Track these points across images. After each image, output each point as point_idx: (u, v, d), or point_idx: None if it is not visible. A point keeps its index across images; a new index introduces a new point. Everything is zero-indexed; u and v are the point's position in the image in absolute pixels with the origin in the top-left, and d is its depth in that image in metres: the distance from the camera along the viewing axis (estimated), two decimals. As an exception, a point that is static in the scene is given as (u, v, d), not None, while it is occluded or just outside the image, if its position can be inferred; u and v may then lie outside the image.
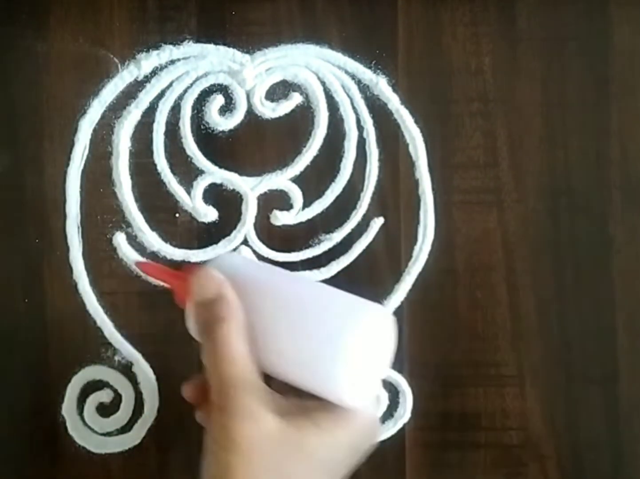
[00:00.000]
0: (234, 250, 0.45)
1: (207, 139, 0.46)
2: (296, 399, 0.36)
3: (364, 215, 0.45)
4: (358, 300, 0.36)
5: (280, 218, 0.45)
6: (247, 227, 0.45)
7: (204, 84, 0.46)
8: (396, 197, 0.46)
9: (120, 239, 0.45)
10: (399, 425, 0.45)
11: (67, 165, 0.45)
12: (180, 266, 0.43)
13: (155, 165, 0.45)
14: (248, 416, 0.34)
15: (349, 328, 0.34)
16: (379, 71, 0.46)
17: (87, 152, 0.45)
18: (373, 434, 0.37)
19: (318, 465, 0.35)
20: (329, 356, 0.34)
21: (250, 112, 0.46)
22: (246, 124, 0.46)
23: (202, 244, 0.45)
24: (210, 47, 0.45)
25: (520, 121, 0.46)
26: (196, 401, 0.38)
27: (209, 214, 0.45)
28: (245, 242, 0.45)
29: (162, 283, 0.41)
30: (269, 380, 0.36)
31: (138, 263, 0.44)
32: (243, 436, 0.33)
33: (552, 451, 0.45)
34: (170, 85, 0.46)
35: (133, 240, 0.45)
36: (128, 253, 0.45)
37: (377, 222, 0.45)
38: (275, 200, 0.46)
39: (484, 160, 0.46)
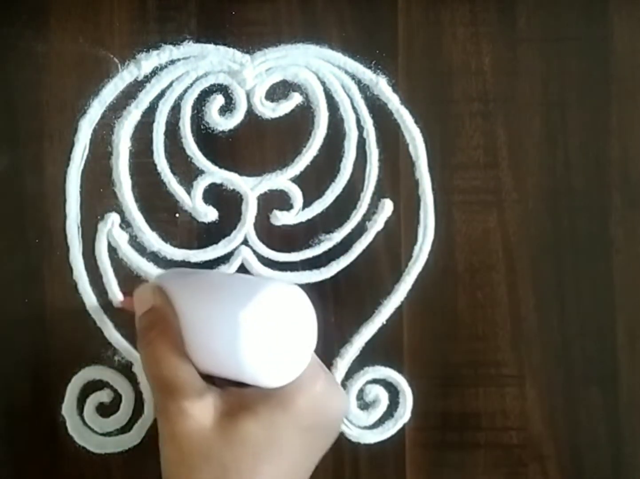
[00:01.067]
0: (234, 250, 0.45)
1: (207, 139, 0.46)
2: (235, 390, 0.37)
3: (364, 215, 0.46)
4: (264, 280, 0.38)
5: (280, 218, 0.45)
6: (247, 227, 0.45)
7: (204, 84, 0.46)
8: (396, 197, 0.46)
9: (120, 239, 0.45)
10: (399, 425, 0.45)
11: (67, 165, 0.45)
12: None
13: (155, 165, 0.45)
14: (182, 414, 0.35)
15: (242, 307, 0.35)
16: (379, 71, 0.46)
17: (87, 152, 0.45)
18: (327, 410, 0.38)
19: (258, 450, 0.35)
20: (231, 339, 0.35)
21: (250, 112, 0.46)
22: (246, 124, 0.46)
23: (202, 244, 0.45)
24: (210, 47, 0.45)
25: (520, 121, 0.46)
26: None
27: (209, 214, 0.45)
28: (245, 242, 0.45)
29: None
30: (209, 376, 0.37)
31: (121, 302, 0.45)
32: (180, 434, 0.35)
33: (552, 451, 0.45)
34: (170, 85, 0.46)
35: (133, 240, 0.45)
36: (128, 253, 0.45)
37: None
38: (275, 200, 0.46)
39: (484, 160, 0.46)
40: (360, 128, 0.46)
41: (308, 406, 0.37)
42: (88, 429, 0.45)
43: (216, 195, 0.46)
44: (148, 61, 0.45)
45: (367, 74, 0.46)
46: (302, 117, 0.46)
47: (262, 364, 0.35)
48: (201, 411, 0.36)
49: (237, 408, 0.36)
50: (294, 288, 0.37)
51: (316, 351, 0.45)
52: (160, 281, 0.40)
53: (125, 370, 0.45)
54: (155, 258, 0.45)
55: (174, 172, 0.45)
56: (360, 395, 0.45)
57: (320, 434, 0.38)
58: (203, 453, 0.35)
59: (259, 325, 0.35)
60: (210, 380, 0.38)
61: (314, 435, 0.37)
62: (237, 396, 0.37)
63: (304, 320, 0.37)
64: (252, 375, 0.35)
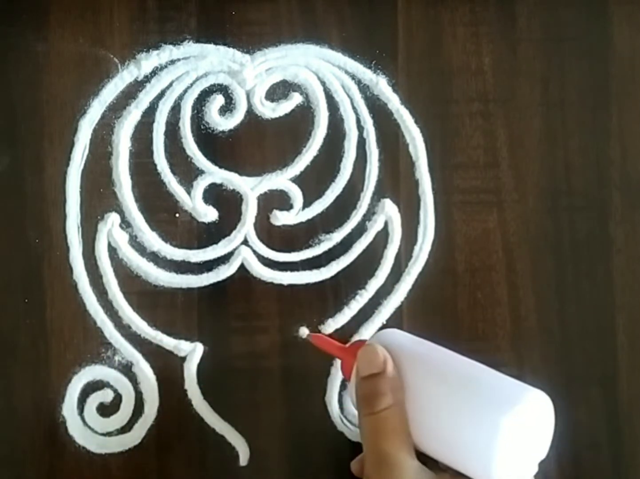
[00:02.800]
0: (234, 250, 0.45)
1: (207, 139, 0.46)
2: (448, 477, 0.37)
3: (364, 215, 0.46)
4: (518, 384, 0.37)
5: (280, 218, 0.45)
6: (247, 227, 0.45)
7: (204, 84, 0.46)
8: (396, 197, 0.46)
9: (120, 239, 0.45)
10: (399, 425, 0.45)
11: (67, 165, 0.45)
12: (349, 342, 0.43)
13: (155, 165, 0.45)
14: None
15: (506, 415, 0.35)
16: (379, 71, 0.46)
17: (87, 152, 0.45)
18: None
19: None
20: (486, 441, 0.35)
21: (250, 112, 0.46)
22: (246, 124, 0.46)
23: (202, 244, 0.45)
24: (210, 47, 0.46)
25: (520, 121, 0.46)
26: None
27: (209, 214, 0.45)
28: (245, 242, 0.45)
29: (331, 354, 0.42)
30: (423, 454, 0.37)
31: (310, 335, 0.44)
32: None
33: (552, 451, 0.45)
34: (170, 85, 0.46)
35: (133, 240, 0.45)
36: (128, 253, 0.45)
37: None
38: (275, 200, 0.46)
39: (484, 160, 0.46)
40: (360, 128, 0.46)
41: None
42: (88, 430, 0.45)
43: (216, 195, 0.46)
44: (148, 61, 0.45)
45: (367, 74, 0.46)
46: (302, 117, 0.46)
47: (509, 469, 0.35)
48: None
49: None
50: (547, 397, 0.37)
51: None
52: (386, 342, 0.39)
53: (126, 369, 0.45)
54: (155, 258, 0.45)
55: (174, 172, 0.45)
56: (360, 395, 0.45)
57: None
58: None
59: (517, 432, 0.35)
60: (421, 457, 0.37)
61: None
62: None
63: (547, 430, 0.37)
64: (493, 476, 0.35)
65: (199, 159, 0.45)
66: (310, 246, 0.45)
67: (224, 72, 0.46)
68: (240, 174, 0.45)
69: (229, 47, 0.46)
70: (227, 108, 0.46)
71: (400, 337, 0.41)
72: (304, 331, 0.45)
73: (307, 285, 0.45)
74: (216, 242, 0.45)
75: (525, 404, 0.35)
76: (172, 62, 0.46)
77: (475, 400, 0.36)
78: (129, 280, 0.45)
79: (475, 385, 0.36)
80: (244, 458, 0.45)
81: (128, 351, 0.45)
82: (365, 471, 0.37)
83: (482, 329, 0.45)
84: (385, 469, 0.36)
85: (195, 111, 0.46)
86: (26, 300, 0.45)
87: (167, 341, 0.45)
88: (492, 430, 0.35)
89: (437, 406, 0.36)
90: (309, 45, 0.46)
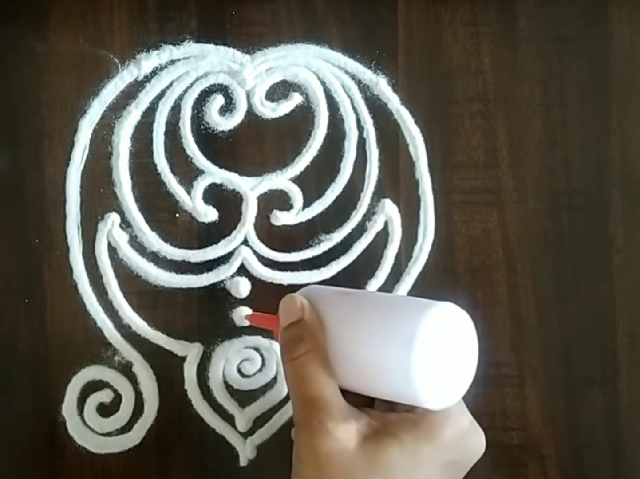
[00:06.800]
0: (234, 250, 0.45)
1: (207, 139, 0.46)
2: (379, 414, 0.37)
3: (364, 215, 0.46)
4: (430, 301, 0.36)
5: (280, 218, 0.45)
6: (247, 227, 0.45)
7: (204, 84, 0.46)
8: (396, 197, 0.46)
9: (120, 239, 0.45)
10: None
11: (67, 165, 0.45)
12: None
13: (155, 165, 0.45)
14: (326, 434, 0.35)
15: (420, 325, 0.34)
16: (379, 71, 0.46)
17: (87, 152, 0.45)
18: (469, 448, 0.37)
19: (400, 478, 0.35)
20: (405, 356, 0.34)
21: (250, 112, 0.46)
22: (246, 124, 0.46)
23: (202, 244, 0.45)
24: (210, 47, 0.46)
25: (520, 121, 0.46)
26: None
27: (209, 214, 0.45)
28: (245, 242, 0.45)
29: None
30: (355, 396, 0.37)
31: (247, 316, 0.44)
32: (321, 453, 0.35)
33: (552, 451, 0.45)
34: (170, 85, 0.46)
35: (133, 240, 0.45)
36: (128, 253, 0.45)
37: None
38: (275, 200, 0.46)
39: (484, 160, 0.46)
40: (360, 128, 0.46)
41: (454, 440, 0.36)
42: (88, 430, 0.45)
43: (216, 195, 0.46)
44: (148, 61, 0.45)
45: (367, 74, 0.46)
46: (302, 117, 0.46)
47: (431, 383, 0.35)
48: (345, 433, 0.35)
49: (381, 434, 0.35)
50: (462, 311, 0.37)
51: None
52: (308, 295, 0.39)
53: (125, 369, 0.45)
54: (155, 258, 0.45)
55: (174, 172, 0.45)
56: (360, 395, 0.45)
57: (457, 471, 0.37)
58: (344, 475, 0.35)
59: (433, 342, 0.34)
60: (351, 399, 0.37)
61: (451, 471, 0.36)
62: (381, 421, 0.36)
63: (469, 344, 0.37)
64: (419, 393, 0.34)
65: (199, 159, 0.45)
66: (310, 246, 0.45)
67: (224, 72, 0.46)
68: (240, 174, 0.46)
69: (229, 47, 0.46)
70: (227, 108, 0.46)
71: (324, 289, 0.41)
72: (242, 313, 0.45)
73: (307, 285, 0.45)
74: (216, 242, 0.45)
75: (437, 313, 0.35)
76: (172, 62, 0.46)
77: (390, 322, 0.35)
78: (129, 280, 0.45)
79: (389, 310, 0.36)
80: (244, 458, 0.45)
81: (128, 351, 0.45)
82: (294, 419, 0.36)
83: (482, 329, 0.45)
84: (312, 411, 0.35)
85: (195, 111, 0.46)
86: (26, 300, 0.45)
87: (167, 341, 0.45)
88: (407, 344, 0.34)
89: (357, 339, 0.36)
90: (309, 45, 0.46)
